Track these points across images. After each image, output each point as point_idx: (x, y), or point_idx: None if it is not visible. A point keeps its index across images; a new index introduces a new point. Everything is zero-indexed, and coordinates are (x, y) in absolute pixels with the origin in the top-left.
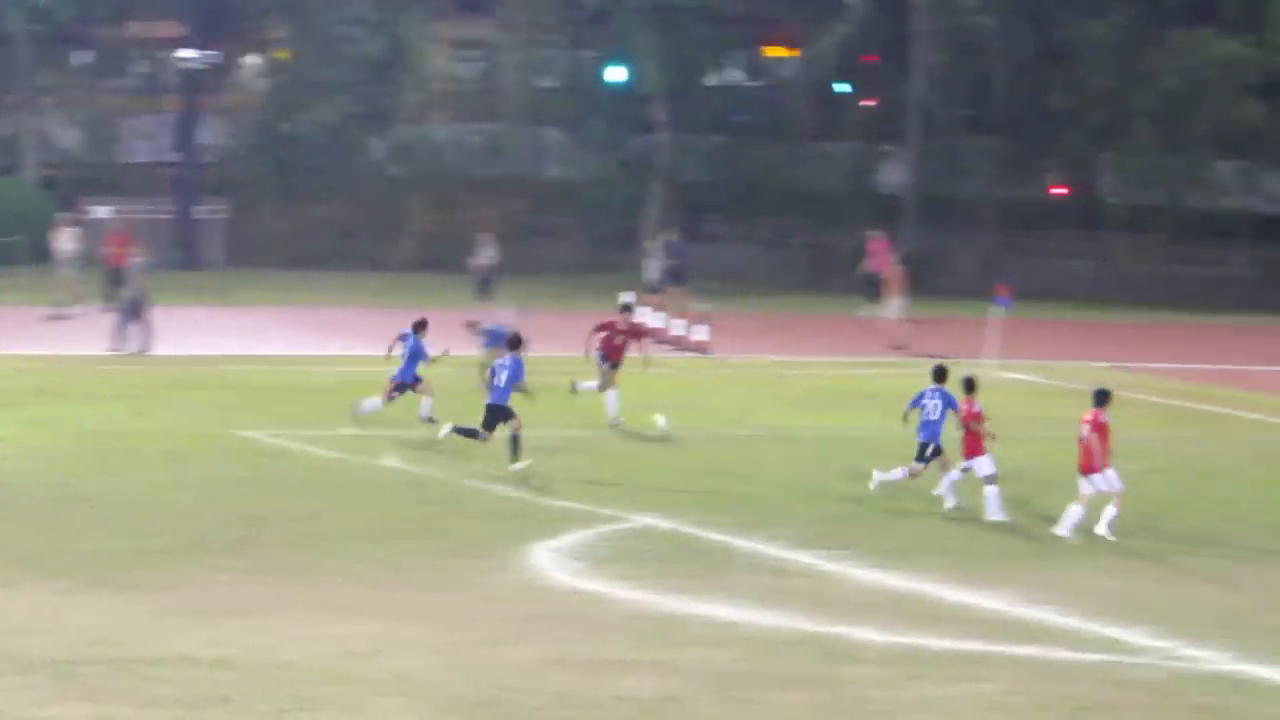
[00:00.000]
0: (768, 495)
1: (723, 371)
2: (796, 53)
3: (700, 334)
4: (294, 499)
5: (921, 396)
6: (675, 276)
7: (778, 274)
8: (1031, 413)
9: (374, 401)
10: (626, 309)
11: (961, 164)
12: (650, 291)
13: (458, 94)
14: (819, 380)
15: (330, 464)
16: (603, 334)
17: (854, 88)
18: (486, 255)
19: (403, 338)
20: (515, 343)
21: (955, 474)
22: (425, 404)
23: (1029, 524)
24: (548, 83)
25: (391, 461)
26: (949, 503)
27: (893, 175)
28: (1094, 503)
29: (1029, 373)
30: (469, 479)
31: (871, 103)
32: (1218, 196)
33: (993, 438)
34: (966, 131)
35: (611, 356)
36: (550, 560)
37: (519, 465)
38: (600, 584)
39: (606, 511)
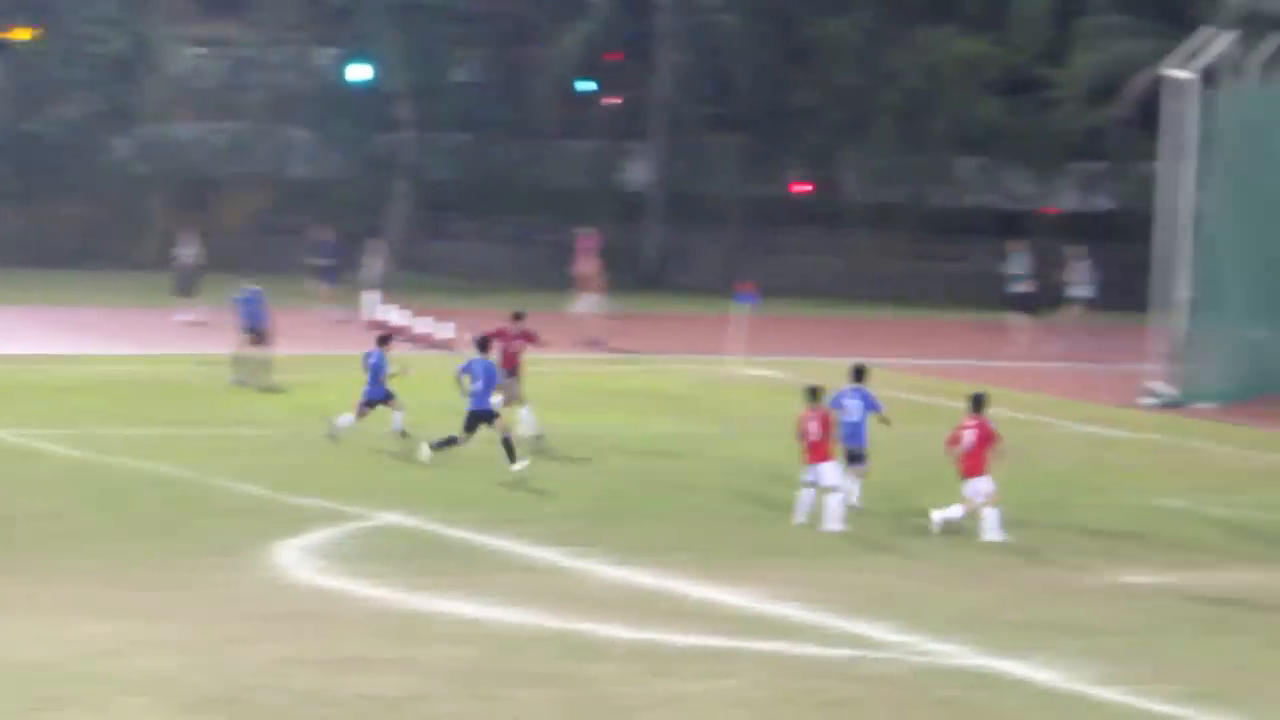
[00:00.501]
0: (513, 493)
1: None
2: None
3: (446, 332)
4: (39, 498)
5: (841, 397)
6: (325, 276)
7: (523, 272)
8: (776, 410)
9: (347, 418)
10: (518, 316)
11: (706, 162)
12: (370, 289)
13: (202, 93)
14: (567, 378)
15: (76, 463)
16: (497, 344)
17: (598, 86)
18: (188, 253)
19: (367, 356)
20: (483, 345)
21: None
22: (397, 418)
23: (775, 520)
24: (292, 81)
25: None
26: (853, 498)
27: (637, 173)
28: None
29: (773, 369)
30: (215, 477)
31: (615, 101)
32: (959, 193)
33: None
34: (710, 129)
35: (508, 365)
36: (295, 558)
37: (518, 466)
38: (344, 582)
39: (351, 509)
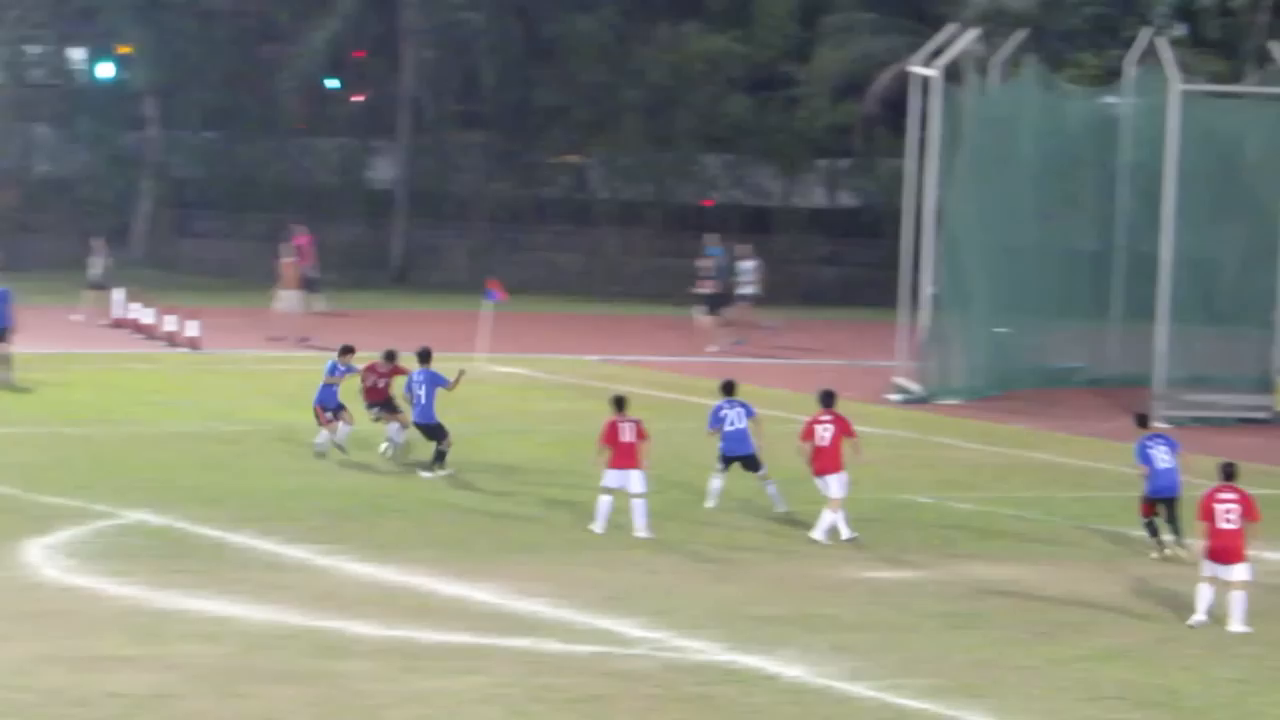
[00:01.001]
0: (260, 491)
1: (213, 368)
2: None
3: (192, 330)
4: None
5: (719, 409)
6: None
7: (270, 270)
8: (524, 406)
9: (324, 437)
10: (390, 356)
11: (452, 159)
12: (95, 288)
13: None
14: (309, 375)
15: None
16: (367, 382)
17: (344, 83)
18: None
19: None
20: (425, 357)
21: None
22: (343, 430)
23: (523, 517)
24: (37, 78)
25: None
26: (779, 506)
27: (384, 170)
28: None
29: (520, 366)
30: None
31: (362, 98)
32: (705, 190)
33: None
34: (457, 127)
35: (374, 398)
36: (42, 557)
37: (435, 474)
38: (92, 580)
39: (99, 508)
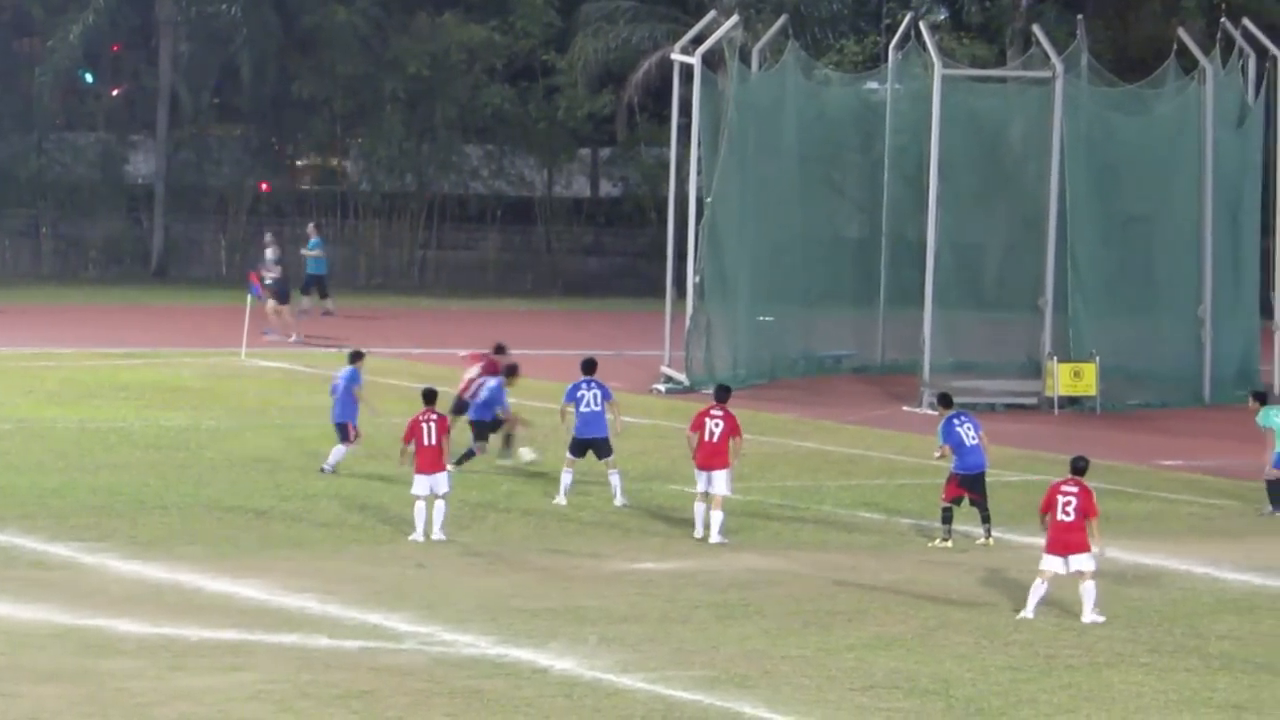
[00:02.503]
0: (23, 488)
1: None
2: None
3: None
4: None
5: (576, 387)
6: None
7: (28, 265)
8: (287, 401)
9: (339, 451)
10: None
11: (211, 152)
12: None
13: None
14: (71, 372)
15: None
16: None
17: (101, 77)
18: None
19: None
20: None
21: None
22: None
23: (289, 512)
24: None
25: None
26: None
27: (142, 164)
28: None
29: (283, 360)
30: None
31: (119, 91)
32: (467, 181)
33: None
34: (216, 120)
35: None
36: None
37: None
38: None
39: None
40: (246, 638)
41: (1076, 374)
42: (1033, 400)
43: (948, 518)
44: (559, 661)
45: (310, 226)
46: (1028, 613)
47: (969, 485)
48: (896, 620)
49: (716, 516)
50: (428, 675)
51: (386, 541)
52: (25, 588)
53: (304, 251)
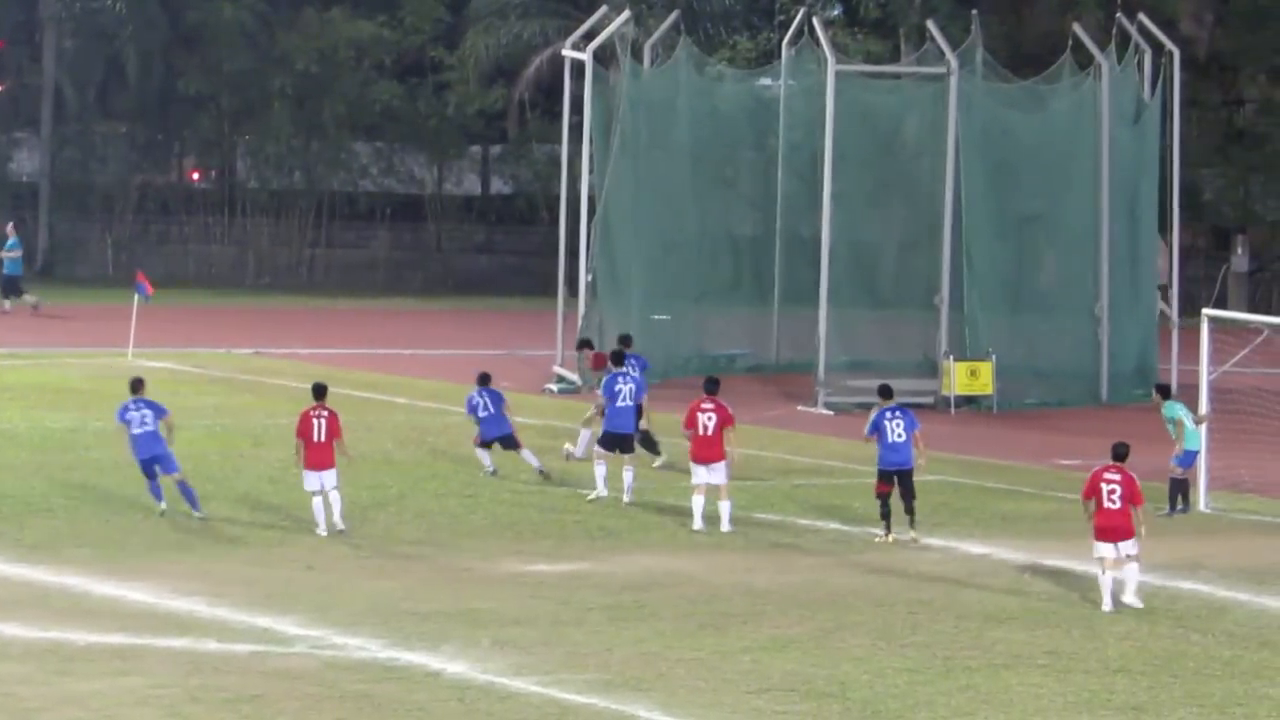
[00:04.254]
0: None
1: None
2: None
3: None
4: None
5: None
6: None
7: None
8: (174, 402)
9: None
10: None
11: (96, 150)
12: None
13: None
14: None
15: None
16: None
17: None
18: None
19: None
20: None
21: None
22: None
23: (176, 514)
24: None
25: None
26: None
27: (26, 162)
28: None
29: (170, 360)
30: None
31: (1, 88)
32: (356, 178)
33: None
34: (101, 117)
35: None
36: None
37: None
38: None
39: None
40: (135, 641)
41: (973, 373)
42: (929, 399)
43: (885, 512)
44: (451, 665)
45: (9, 226)
46: (1106, 605)
47: (891, 480)
48: (792, 622)
49: (726, 506)
50: (318, 679)
51: (276, 544)
52: None
53: (2, 253)
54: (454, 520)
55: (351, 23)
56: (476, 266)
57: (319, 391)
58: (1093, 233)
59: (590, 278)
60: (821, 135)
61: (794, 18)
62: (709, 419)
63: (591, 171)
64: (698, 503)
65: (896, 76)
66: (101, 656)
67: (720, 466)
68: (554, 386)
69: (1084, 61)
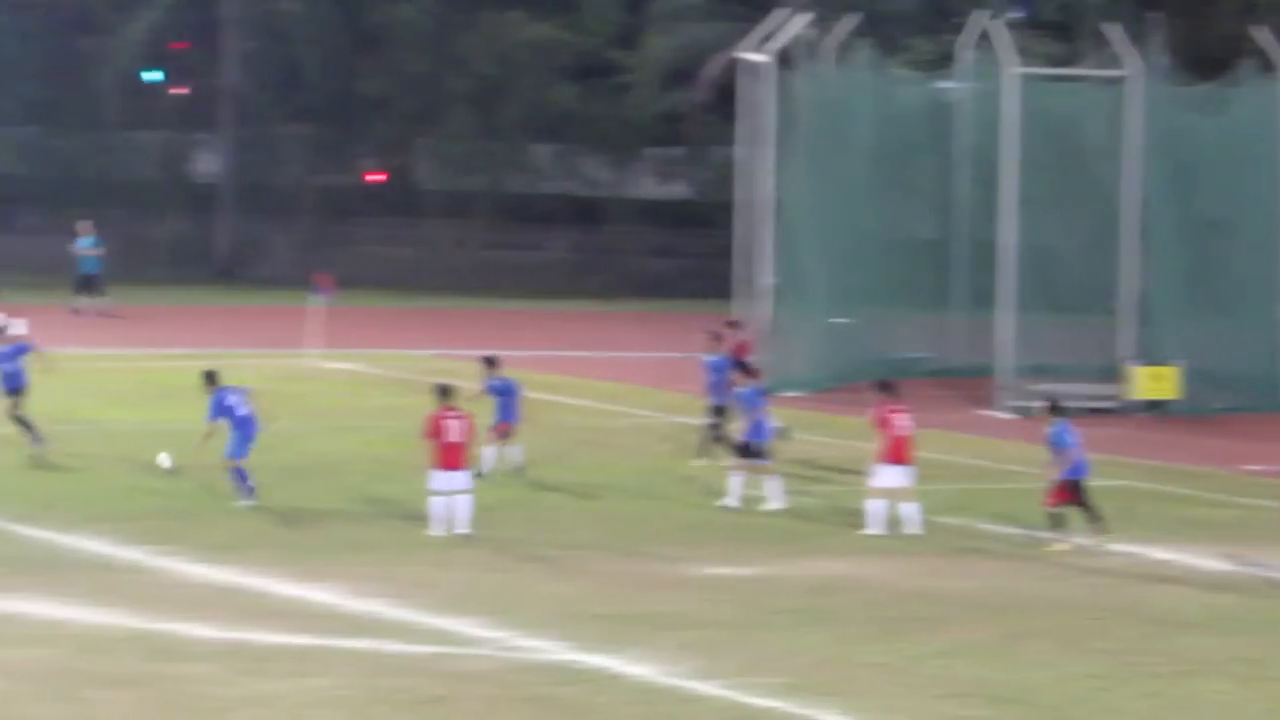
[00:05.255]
0: (94, 491)
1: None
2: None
3: (19, 328)
4: None
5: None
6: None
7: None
8: (356, 403)
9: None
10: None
11: (277, 151)
12: None
13: None
14: (138, 374)
15: None
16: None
17: (165, 75)
18: None
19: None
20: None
21: None
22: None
23: (358, 515)
24: None
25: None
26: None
27: (208, 164)
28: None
29: (351, 362)
30: None
31: (183, 90)
32: (535, 180)
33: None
34: (281, 118)
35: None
36: None
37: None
38: None
39: None
40: (318, 642)
41: (1156, 377)
42: (1113, 404)
43: (1059, 521)
44: (634, 668)
45: (83, 224)
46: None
47: (1075, 490)
48: (975, 627)
49: (912, 509)
50: (500, 682)
51: (458, 546)
52: (93, 591)
53: (77, 250)
54: (635, 523)
55: (530, 24)
56: (654, 269)
57: (446, 392)
58: (1275, 236)
59: (772, 281)
60: (1001, 138)
61: (973, 20)
62: (904, 421)
63: (772, 175)
64: (879, 506)
65: (1076, 79)
66: (285, 657)
67: (912, 470)
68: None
69: (1266, 64)
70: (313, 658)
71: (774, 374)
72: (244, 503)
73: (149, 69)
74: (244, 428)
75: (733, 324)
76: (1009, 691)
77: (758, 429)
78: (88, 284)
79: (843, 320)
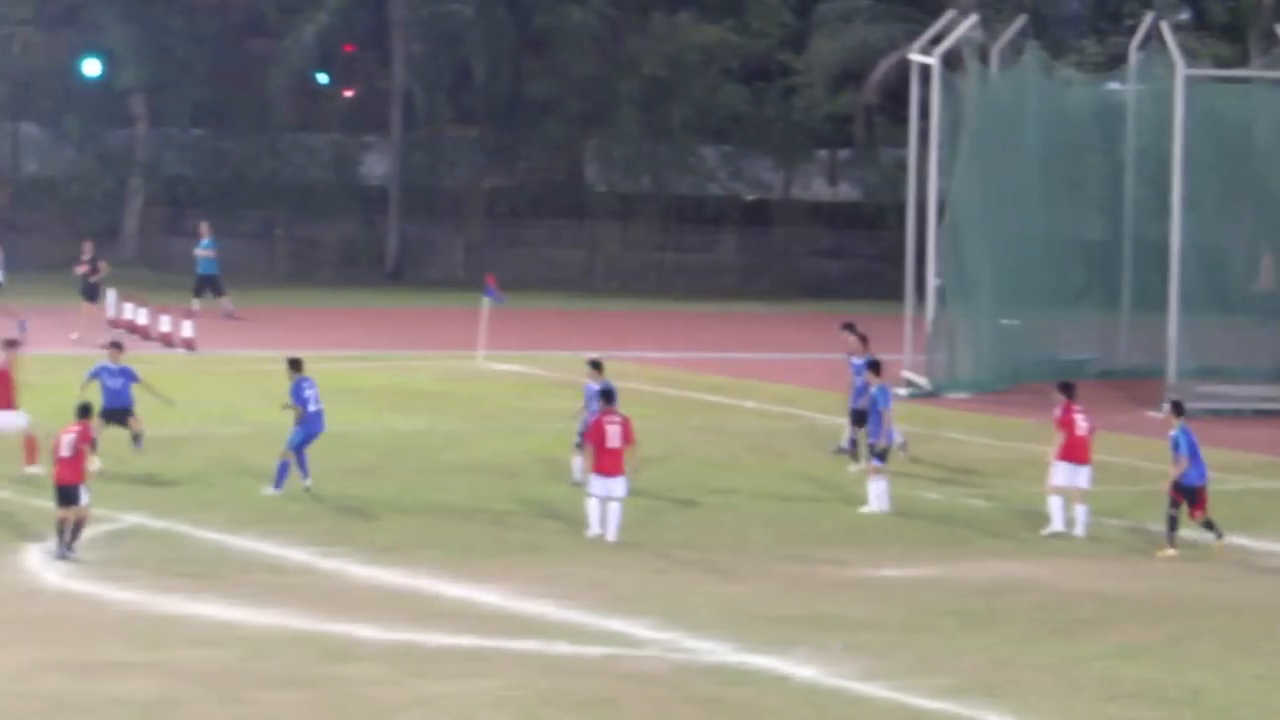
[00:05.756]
0: (259, 494)
1: (209, 368)
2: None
3: (187, 330)
4: None
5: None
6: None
7: (263, 267)
8: (524, 405)
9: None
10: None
11: (446, 154)
12: None
13: None
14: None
15: None
16: None
17: (334, 78)
18: None
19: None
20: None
21: None
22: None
23: (526, 517)
24: (22, 76)
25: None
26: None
27: (377, 166)
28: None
29: (519, 364)
30: None
31: (352, 92)
32: (704, 182)
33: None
34: (450, 121)
35: None
36: (41, 562)
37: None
38: (92, 585)
39: (97, 511)
40: (486, 644)
41: None
42: None
43: (1174, 524)
44: (802, 669)
45: (203, 225)
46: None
47: (1193, 495)
48: (1143, 628)
49: (1083, 511)
50: (669, 683)
51: (627, 547)
52: (263, 593)
53: (197, 251)
54: (803, 524)
55: (698, 27)
56: (823, 271)
57: (610, 396)
58: None
59: (939, 283)
60: (1170, 140)
61: (1142, 22)
62: (1084, 421)
63: (940, 176)
64: (1057, 503)
65: (1246, 80)
66: (453, 658)
67: (1088, 470)
68: (903, 391)
69: None
70: (481, 659)
71: (940, 376)
72: (270, 490)
73: (319, 71)
74: (310, 424)
75: (849, 325)
76: (1176, 693)
77: (882, 430)
78: (207, 285)
79: (1010, 322)
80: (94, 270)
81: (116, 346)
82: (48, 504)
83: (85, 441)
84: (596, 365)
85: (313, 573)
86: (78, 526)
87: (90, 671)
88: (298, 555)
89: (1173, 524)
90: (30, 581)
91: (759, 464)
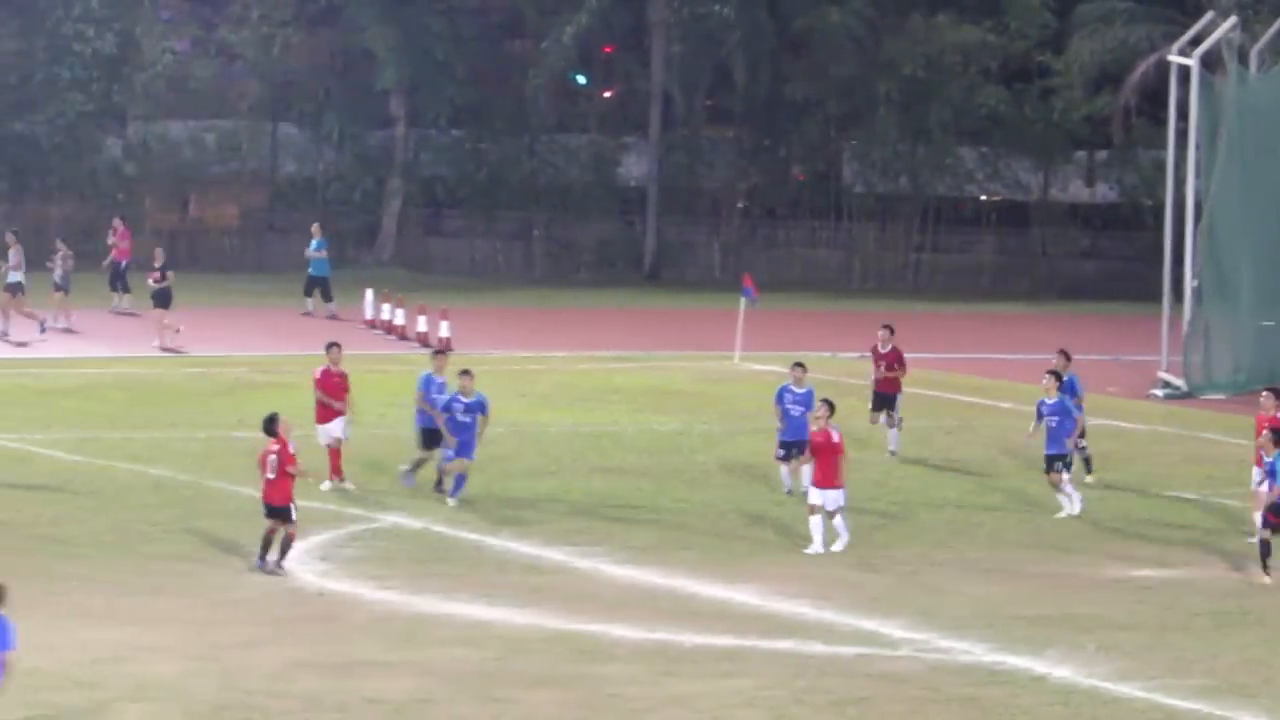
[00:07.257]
0: (517, 493)
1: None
2: (534, 44)
3: (443, 331)
4: (35, 503)
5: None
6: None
7: (520, 268)
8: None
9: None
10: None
11: (704, 154)
12: (56, 290)
13: (193, 91)
14: (564, 375)
15: (71, 467)
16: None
17: (593, 79)
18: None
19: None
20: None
21: None
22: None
23: (780, 517)
24: (282, 78)
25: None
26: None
27: (635, 167)
28: None
29: (776, 364)
30: (211, 480)
31: (610, 93)
32: (962, 183)
33: None
34: (708, 121)
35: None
36: (298, 562)
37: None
38: (349, 585)
39: (353, 511)
40: (741, 643)
41: None
42: None
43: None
44: (1056, 669)
45: (314, 226)
46: None
47: None
48: None
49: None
50: (924, 683)
51: (881, 547)
52: (519, 593)
53: (308, 253)
54: (1059, 525)
55: (958, 28)
56: (1081, 271)
57: (830, 406)
58: None
59: (1196, 284)
60: None
61: None
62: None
63: (1198, 177)
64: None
65: None
66: (708, 658)
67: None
68: (1160, 392)
69: None
70: (735, 658)
71: (1196, 377)
72: (450, 501)
73: (578, 72)
74: (459, 432)
75: (888, 327)
76: None
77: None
78: (316, 286)
79: (1269, 323)
80: (162, 278)
81: (441, 354)
82: (306, 502)
83: (289, 463)
84: (801, 366)
85: (568, 572)
86: (287, 542)
87: (347, 671)
88: (554, 555)
89: (1265, 549)
90: (285, 581)
91: (1014, 467)
